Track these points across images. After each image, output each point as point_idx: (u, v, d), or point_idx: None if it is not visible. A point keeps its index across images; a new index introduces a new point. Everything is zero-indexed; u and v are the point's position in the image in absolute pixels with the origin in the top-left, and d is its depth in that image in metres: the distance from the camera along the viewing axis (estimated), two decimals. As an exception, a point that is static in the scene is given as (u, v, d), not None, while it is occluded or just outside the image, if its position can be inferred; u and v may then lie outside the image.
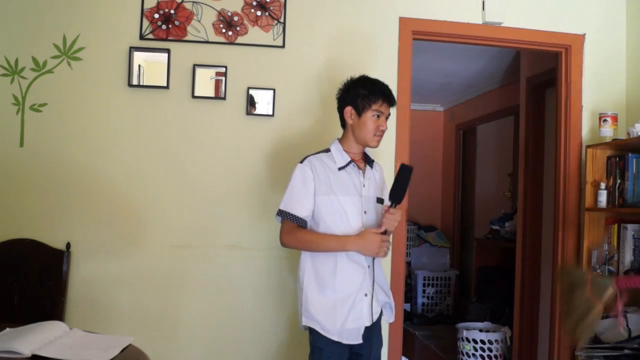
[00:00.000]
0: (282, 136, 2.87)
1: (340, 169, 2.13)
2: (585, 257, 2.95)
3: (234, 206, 2.84)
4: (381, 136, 2.17)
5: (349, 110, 2.15)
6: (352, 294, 2.08)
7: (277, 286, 2.85)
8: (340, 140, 2.21)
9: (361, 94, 2.13)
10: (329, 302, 2.06)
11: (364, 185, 2.16)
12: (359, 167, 2.18)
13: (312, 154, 2.17)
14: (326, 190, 2.08)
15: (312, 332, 2.09)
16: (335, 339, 2.06)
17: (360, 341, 2.10)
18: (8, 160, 2.73)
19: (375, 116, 2.13)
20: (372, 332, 2.15)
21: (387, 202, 2.17)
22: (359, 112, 2.13)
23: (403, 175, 2.10)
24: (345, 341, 2.07)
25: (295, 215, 2.09)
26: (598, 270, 1.98)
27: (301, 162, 2.14)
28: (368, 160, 2.25)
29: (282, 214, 2.12)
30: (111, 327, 2.66)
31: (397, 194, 2.08)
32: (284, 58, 2.89)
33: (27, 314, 2.52)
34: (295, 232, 2.10)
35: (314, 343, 2.09)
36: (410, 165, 2.12)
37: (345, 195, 2.10)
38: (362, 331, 2.10)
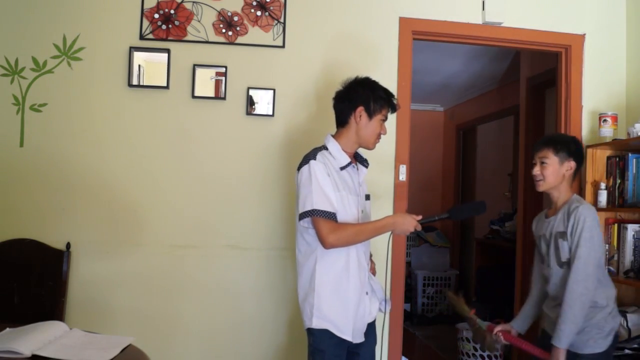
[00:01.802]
0: (282, 136, 2.87)
1: (341, 168, 2.11)
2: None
3: (233, 206, 2.84)
4: (379, 140, 2.18)
5: (360, 110, 2.11)
6: (358, 293, 2.10)
7: (276, 286, 2.85)
8: (336, 138, 2.16)
9: (374, 96, 2.11)
10: (343, 301, 2.06)
11: (359, 185, 2.18)
12: (355, 167, 2.19)
13: (314, 151, 2.11)
14: (336, 187, 2.06)
15: (313, 334, 2.06)
16: (349, 338, 2.06)
17: (364, 339, 2.13)
18: (8, 160, 2.73)
19: (382, 120, 2.14)
20: (369, 330, 2.18)
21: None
22: (370, 114, 2.11)
23: (476, 207, 2.27)
24: (356, 340, 2.08)
25: (330, 212, 1.99)
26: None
27: (314, 158, 2.05)
28: (360, 159, 2.25)
29: (316, 213, 1.98)
30: (111, 327, 2.66)
31: (459, 213, 2.28)
32: (284, 58, 2.89)
33: (27, 314, 2.51)
34: (339, 229, 1.99)
35: (316, 345, 2.06)
36: (486, 207, 2.25)
37: (349, 195, 2.10)
38: (365, 329, 2.14)
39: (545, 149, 2.28)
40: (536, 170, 2.30)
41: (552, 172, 2.26)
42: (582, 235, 2.14)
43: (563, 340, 2.11)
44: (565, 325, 2.11)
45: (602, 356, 2.18)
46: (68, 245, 2.70)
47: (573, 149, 2.30)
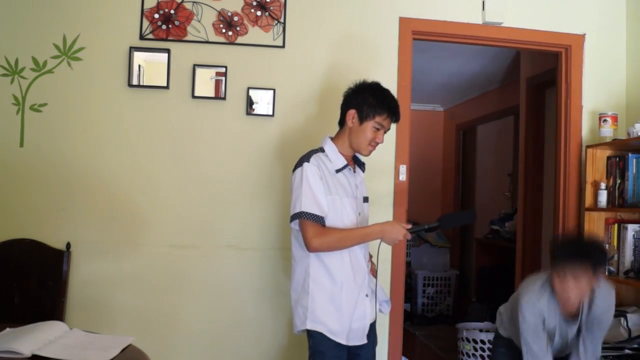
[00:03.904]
0: (282, 136, 2.87)
1: (337, 171, 2.10)
2: (585, 257, 2.95)
3: (233, 206, 2.84)
4: (375, 148, 2.15)
5: (352, 113, 2.10)
6: (355, 295, 2.09)
7: (277, 286, 2.85)
8: (334, 140, 2.15)
9: (369, 101, 2.09)
10: (337, 305, 2.05)
11: (357, 187, 2.17)
12: (352, 169, 2.18)
13: (309, 153, 2.10)
14: (330, 190, 2.05)
15: (313, 335, 2.06)
16: (343, 342, 2.05)
17: (365, 341, 2.12)
18: (8, 160, 2.73)
19: (375, 128, 2.10)
20: (370, 331, 2.17)
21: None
22: (361, 119, 2.09)
23: (466, 216, 2.31)
24: (351, 343, 2.07)
25: (318, 215, 1.98)
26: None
27: (307, 161, 2.04)
28: (357, 162, 2.24)
29: (304, 215, 1.98)
30: (111, 327, 2.66)
31: (448, 222, 2.25)
32: (284, 58, 2.89)
33: (27, 314, 2.52)
34: (324, 233, 1.99)
35: (315, 347, 2.06)
36: (476, 215, 2.23)
37: (345, 197, 2.09)
38: (366, 331, 2.13)
39: (586, 270, 2.00)
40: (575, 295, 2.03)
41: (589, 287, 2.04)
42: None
43: None
44: None
45: None
46: (68, 245, 2.70)
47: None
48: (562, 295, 2.04)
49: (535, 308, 2.10)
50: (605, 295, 2.09)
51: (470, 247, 6.01)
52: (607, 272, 2.80)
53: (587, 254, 2.04)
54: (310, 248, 2.00)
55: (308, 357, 2.10)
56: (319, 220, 1.99)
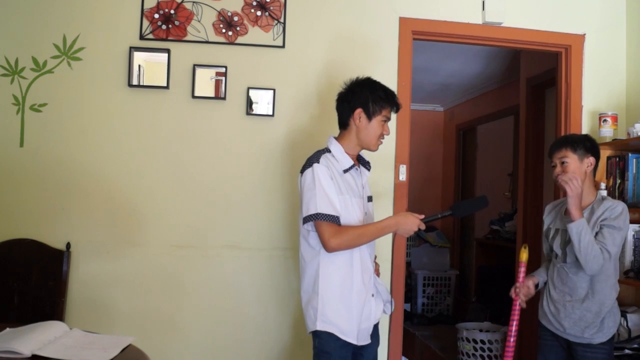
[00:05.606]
0: (282, 136, 2.87)
1: (345, 171, 2.10)
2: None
3: (234, 206, 2.84)
4: (382, 142, 2.17)
5: (359, 112, 2.10)
6: (364, 295, 2.09)
7: (278, 287, 2.85)
8: (339, 140, 2.15)
9: (373, 97, 2.10)
10: (347, 305, 2.05)
11: (363, 187, 2.17)
12: (358, 169, 2.18)
13: (316, 154, 2.10)
14: (340, 190, 2.05)
15: (319, 336, 2.06)
16: (354, 341, 2.05)
17: (369, 341, 2.13)
18: (8, 160, 2.73)
19: (383, 121, 2.13)
20: (373, 331, 2.18)
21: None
22: (370, 116, 2.10)
23: (478, 202, 2.26)
24: (360, 342, 2.08)
25: (333, 215, 1.99)
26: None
27: (317, 162, 2.04)
28: (362, 161, 2.24)
29: (320, 217, 1.97)
30: (111, 327, 2.67)
31: (461, 210, 2.26)
32: (284, 58, 2.89)
33: (27, 314, 2.52)
34: (341, 232, 1.98)
35: (321, 348, 2.06)
36: (488, 201, 2.23)
37: (353, 197, 2.09)
38: (371, 331, 2.13)
39: (563, 149, 2.29)
40: (557, 171, 2.30)
41: (574, 170, 2.26)
42: (614, 222, 2.18)
43: (575, 224, 2.16)
44: (579, 238, 2.14)
45: (610, 343, 2.29)
46: (68, 245, 2.70)
47: (589, 145, 2.31)
48: (556, 183, 2.31)
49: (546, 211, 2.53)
50: (610, 203, 2.25)
51: (470, 247, 6.02)
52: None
53: (565, 136, 2.43)
54: (328, 248, 1.99)
55: (313, 357, 2.10)
56: (334, 220, 1.99)
